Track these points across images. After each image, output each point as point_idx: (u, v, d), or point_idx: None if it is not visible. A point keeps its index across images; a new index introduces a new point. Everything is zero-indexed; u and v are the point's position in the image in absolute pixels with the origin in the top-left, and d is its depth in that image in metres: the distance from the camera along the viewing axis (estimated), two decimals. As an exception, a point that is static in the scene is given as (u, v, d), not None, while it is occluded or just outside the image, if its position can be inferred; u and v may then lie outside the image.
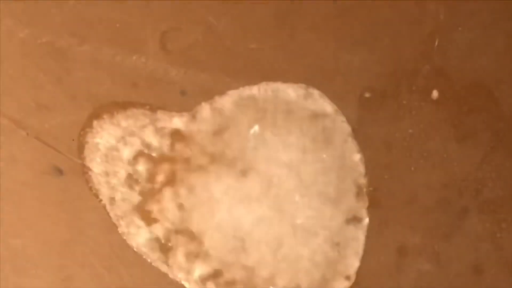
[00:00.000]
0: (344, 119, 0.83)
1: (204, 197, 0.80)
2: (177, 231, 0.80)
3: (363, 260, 0.82)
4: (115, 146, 0.80)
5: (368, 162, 0.83)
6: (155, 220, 0.80)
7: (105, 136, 0.79)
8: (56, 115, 0.80)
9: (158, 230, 0.80)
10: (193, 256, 0.80)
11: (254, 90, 0.82)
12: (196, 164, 0.80)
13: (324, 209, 0.82)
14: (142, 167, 0.80)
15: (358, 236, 0.82)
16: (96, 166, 0.79)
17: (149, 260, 0.80)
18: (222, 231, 0.80)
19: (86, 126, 0.79)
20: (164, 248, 0.80)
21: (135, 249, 0.80)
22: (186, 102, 0.81)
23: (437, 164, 0.83)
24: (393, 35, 0.84)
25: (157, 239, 0.80)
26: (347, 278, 0.82)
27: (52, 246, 0.79)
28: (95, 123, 0.79)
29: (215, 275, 0.80)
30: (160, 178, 0.80)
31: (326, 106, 0.83)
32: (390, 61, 0.84)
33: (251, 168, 0.81)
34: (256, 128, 0.81)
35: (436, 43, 0.84)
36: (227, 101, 0.81)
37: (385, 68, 0.83)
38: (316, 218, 0.82)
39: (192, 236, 0.80)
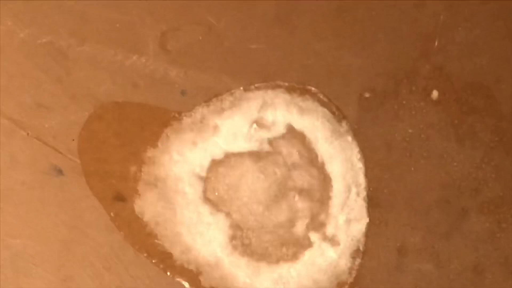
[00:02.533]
0: (344, 119, 0.83)
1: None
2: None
3: (363, 260, 0.82)
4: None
5: (368, 162, 0.83)
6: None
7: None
8: (56, 115, 0.80)
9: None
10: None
11: (254, 90, 0.82)
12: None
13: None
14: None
15: (358, 236, 0.82)
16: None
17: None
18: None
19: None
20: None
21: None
22: (186, 102, 0.81)
23: (437, 164, 0.83)
24: (393, 35, 0.84)
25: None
26: (347, 277, 0.82)
27: (52, 246, 0.79)
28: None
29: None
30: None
31: (326, 106, 0.83)
32: (390, 61, 0.84)
33: (250, 165, 0.81)
34: (255, 126, 0.81)
35: (436, 43, 0.84)
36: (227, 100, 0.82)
37: (385, 68, 0.83)
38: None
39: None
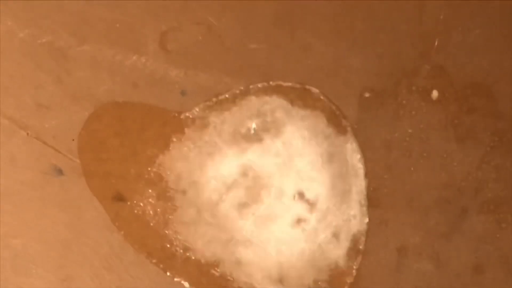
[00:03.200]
0: (344, 119, 0.83)
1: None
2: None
3: (363, 260, 0.82)
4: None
5: (368, 162, 0.83)
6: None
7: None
8: (56, 115, 0.80)
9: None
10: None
11: (254, 90, 0.82)
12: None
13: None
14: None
15: (358, 236, 0.82)
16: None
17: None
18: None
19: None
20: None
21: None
22: (186, 102, 0.81)
23: (437, 164, 0.83)
24: (393, 35, 0.84)
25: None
26: (347, 277, 0.82)
27: (52, 246, 0.79)
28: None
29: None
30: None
31: (326, 106, 0.83)
32: (390, 61, 0.84)
33: (249, 164, 0.81)
34: (254, 126, 0.81)
35: (436, 43, 0.84)
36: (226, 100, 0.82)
37: (385, 68, 0.83)
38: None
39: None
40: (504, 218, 0.84)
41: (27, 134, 0.79)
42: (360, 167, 0.83)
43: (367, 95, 0.83)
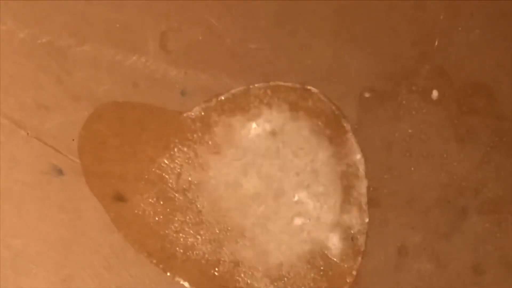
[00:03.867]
0: (344, 119, 0.83)
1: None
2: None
3: (363, 260, 0.82)
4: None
5: (368, 162, 0.83)
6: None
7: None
8: (56, 115, 0.80)
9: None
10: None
11: (254, 90, 0.82)
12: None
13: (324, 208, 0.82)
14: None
15: (358, 236, 0.82)
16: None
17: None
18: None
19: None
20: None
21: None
22: (186, 102, 0.81)
23: (437, 164, 0.83)
24: (393, 35, 0.84)
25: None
26: (347, 277, 0.82)
27: (52, 246, 0.79)
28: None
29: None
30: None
31: (326, 106, 0.83)
32: (390, 61, 0.84)
33: (249, 164, 0.81)
34: (254, 125, 0.81)
35: (436, 43, 0.84)
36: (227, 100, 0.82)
37: (385, 68, 0.83)
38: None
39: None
40: (504, 218, 0.84)
41: (27, 134, 0.79)
42: (360, 167, 0.83)
43: (367, 95, 0.83)
